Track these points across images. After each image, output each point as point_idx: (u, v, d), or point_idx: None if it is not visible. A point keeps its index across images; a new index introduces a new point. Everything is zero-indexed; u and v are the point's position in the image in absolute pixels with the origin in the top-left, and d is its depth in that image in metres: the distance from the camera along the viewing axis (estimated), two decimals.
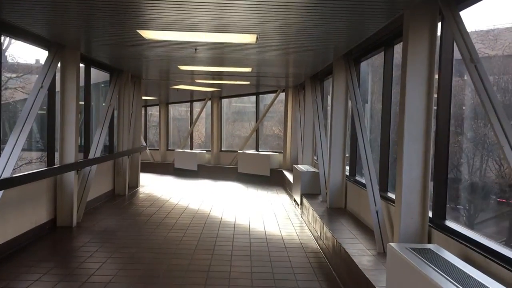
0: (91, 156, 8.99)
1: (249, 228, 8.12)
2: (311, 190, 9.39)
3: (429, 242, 4.31)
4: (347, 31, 6.05)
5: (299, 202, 9.60)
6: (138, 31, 5.79)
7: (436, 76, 4.43)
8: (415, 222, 4.28)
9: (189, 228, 8.00)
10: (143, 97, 18.04)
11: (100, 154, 9.41)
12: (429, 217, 4.39)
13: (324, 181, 8.85)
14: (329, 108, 11.25)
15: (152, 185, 14.03)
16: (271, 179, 14.41)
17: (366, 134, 6.30)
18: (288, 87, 14.15)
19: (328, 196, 7.96)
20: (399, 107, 4.49)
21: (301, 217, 9.15)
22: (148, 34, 6.05)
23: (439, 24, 4.41)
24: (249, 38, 6.18)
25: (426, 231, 4.30)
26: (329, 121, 10.77)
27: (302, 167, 10.17)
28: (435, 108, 4.39)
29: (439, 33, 4.42)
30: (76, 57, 7.73)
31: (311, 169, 9.88)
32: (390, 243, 3.73)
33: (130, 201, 10.69)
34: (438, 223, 4.29)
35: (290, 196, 11.49)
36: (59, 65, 7.51)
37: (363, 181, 7.27)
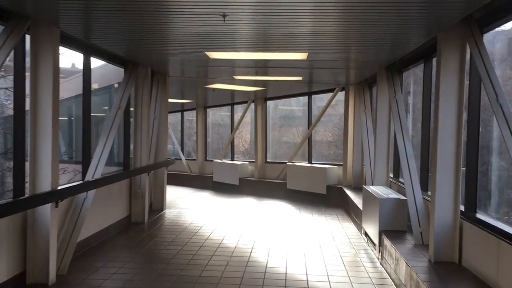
0: (89, 176, 6.60)
1: (308, 285, 5.45)
2: (394, 225, 6.59)
3: None
4: None
5: (375, 241, 6.80)
6: None
7: None
8: None
9: (219, 285, 5.41)
10: (179, 100, 15.78)
11: (103, 173, 7.02)
12: None
13: (416, 214, 6.03)
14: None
15: (183, 205, 11.59)
16: (329, 198, 11.63)
17: None
18: (349, 84, 11.35)
19: (432, 243, 5.14)
20: None
21: (381, 264, 6.36)
22: None
23: None
24: None
25: None
26: (410, 126, 7.96)
27: (378, 190, 7.36)
28: None
29: None
30: (52, 35, 5.31)
31: (392, 193, 7.06)
32: None
33: (149, 232, 8.24)
34: None
35: (357, 224, 8.71)
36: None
37: (492, 222, 4.45)
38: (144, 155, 8.73)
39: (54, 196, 5.19)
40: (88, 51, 6.88)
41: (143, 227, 8.60)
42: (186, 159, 17.85)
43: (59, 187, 5.44)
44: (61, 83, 13.28)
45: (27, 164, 5.32)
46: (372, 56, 7.44)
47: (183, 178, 17.21)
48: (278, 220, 9.61)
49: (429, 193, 6.48)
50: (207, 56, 7.23)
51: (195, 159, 17.52)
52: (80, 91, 10.79)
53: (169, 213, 10.16)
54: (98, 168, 6.66)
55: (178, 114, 19.15)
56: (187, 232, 8.30)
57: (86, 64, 6.93)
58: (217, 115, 19.19)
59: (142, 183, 8.76)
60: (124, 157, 8.76)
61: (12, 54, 5.15)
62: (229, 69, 9.11)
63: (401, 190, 7.52)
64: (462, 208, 5.09)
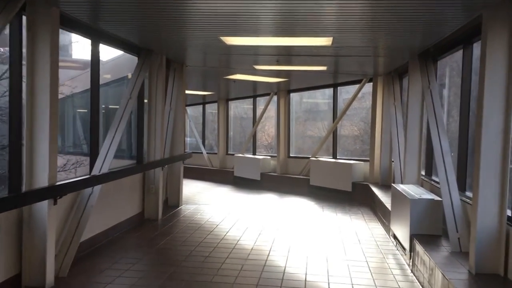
0: (95, 171, 6.18)
1: None
2: (427, 229, 5.94)
3: None
4: None
5: (405, 245, 6.17)
6: None
7: None
8: None
9: None
10: (200, 92, 15.30)
11: (114, 167, 6.59)
12: None
13: (453, 217, 5.38)
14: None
15: (201, 200, 11.15)
16: (354, 196, 11.00)
17: None
18: (378, 74, 10.66)
19: (474, 252, 4.50)
20: None
21: (412, 272, 5.73)
22: None
23: None
24: None
25: None
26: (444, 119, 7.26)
27: (408, 189, 6.72)
28: None
29: None
30: (51, 16, 4.84)
31: (425, 193, 6.40)
32: None
33: (162, 230, 7.79)
34: None
35: (384, 225, 8.07)
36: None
37: None
38: (158, 148, 8.28)
39: (51, 192, 4.76)
40: (96, 36, 6.43)
41: (156, 224, 8.17)
42: (207, 153, 17.44)
43: (58, 183, 5.01)
44: (80, 75, 12.96)
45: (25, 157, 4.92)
46: (404, 41, 6.76)
47: (203, 172, 16.82)
48: (300, 219, 9.05)
49: (467, 193, 5.84)
50: (223, 42, 6.69)
51: (216, 153, 17.08)
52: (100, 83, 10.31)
53: (186, 209, 9.71)
54: (105, 162, 6.24)
55: (200, 107, 18.73)
56: (202, 230, 7.82)
57: (94, 50, 6.48)
58: (240, 108, 18.66)
59: (156, 178, 8.31)
60: (137, 150, 8.34)
61: (7, 38, 4.75)
62: (249, 58, 8.57)
63: (434, 190, 6.86)
64: (509, 212, 4.44)
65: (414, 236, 5.85)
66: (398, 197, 6.78)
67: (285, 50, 7.54)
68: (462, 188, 5.90)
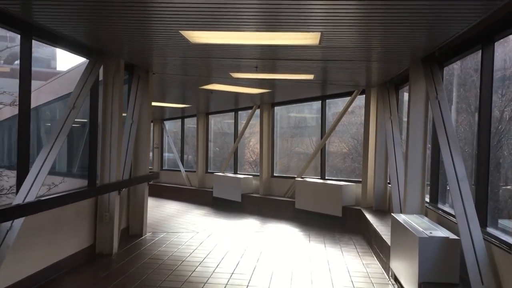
0: (19, 199, 4.85)
1: None
2: (440, 276, 4.67)
3: None
4: None
5: None
6: None
7: None
8: None
9: None
10: (178, 105, 14.01)
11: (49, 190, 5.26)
12: None
13: (476, 263, 4.14)
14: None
15: (171, 227, 9.79)
16: (345, 222, 9.75)
17: None
18: (371, 85, 9.50)
19: None
20: None
21: None
22: None
23: None
24: None
25: None
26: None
27: (413, 222, 5.47)
28: None
29: None
30: None
31: (436, 228, 5.15)
32: None
33: (116, 267, 6.43)
34: None
35: (381, 260, 6.80)
36: None
37: None
38: (114, 168, 6.95)
39: None
40: (28, 30, 5.16)
41: (109, 260, 6.80)
42: (186, 171, 16.11)
43: None
44: (43, 86, 11.65)
45: None
46: (406, 40, 5.55)
47: (181, 192, 15.48)
48: (282, 252, 7.71)
49: (489, 230, 4.62)
50: (185, 39, 5.45)
51: (194, 171, 15.75)
52: (63, 93, 8.98)
53: (150, 239, 8.34)
54: (34, 187, 4.92)
55: (179, 121, 17.46)
56: (164, 268, 6.48)
57: (25, 46, 5.20)
58: (224, 123, 17.42)
59: (110, 204, 6.97)
60: (89, 170, 7.01)
61: None
62: (224, 62, 7.32)
63: (442, 221, 5.65)
64: None
65: (424, 285, 4.59)
66: (400, 231, 5.53)
67: (266, 51, 6.33)
68: (482, 223, 4.67)
